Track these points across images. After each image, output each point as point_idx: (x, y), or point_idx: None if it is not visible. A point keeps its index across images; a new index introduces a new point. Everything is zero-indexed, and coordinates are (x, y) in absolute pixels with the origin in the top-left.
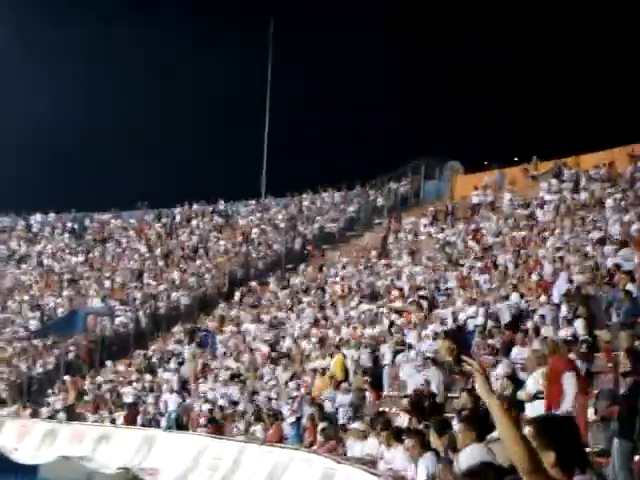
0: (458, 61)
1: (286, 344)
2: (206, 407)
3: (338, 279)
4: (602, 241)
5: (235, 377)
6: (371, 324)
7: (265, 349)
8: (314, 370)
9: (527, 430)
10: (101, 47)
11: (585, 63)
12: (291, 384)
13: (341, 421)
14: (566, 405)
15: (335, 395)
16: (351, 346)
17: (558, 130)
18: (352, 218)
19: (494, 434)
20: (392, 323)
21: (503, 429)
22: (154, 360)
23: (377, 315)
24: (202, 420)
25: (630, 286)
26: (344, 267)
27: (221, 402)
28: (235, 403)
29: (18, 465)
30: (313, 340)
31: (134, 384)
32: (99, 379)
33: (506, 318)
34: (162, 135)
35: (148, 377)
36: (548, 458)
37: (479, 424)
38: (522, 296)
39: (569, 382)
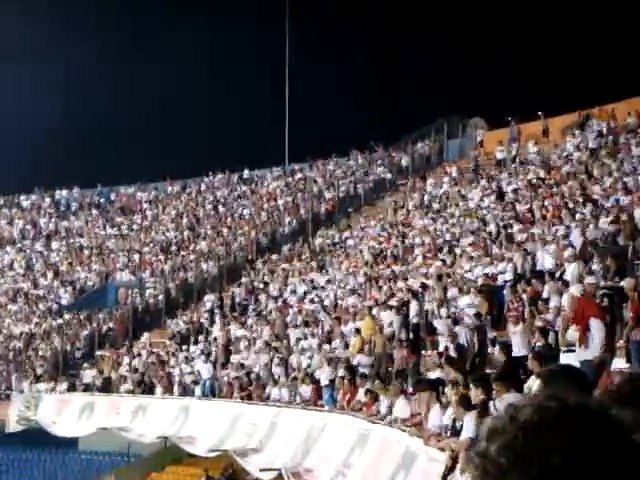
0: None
1: (322, 305)
2: (238, 374)
3: (366, 241)
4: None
5: (267, 344)
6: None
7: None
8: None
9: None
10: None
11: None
12: (325, 347)
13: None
14: (594, 351)
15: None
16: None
17: (580, 81)
18: (377, 180)
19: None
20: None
21: None
22: (186, 330)
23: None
24: (235, 389)
25: None
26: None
27: (255, 369)
28: (269, 369)
29: (58, 438)
30: (348, 302)
31: (168, 354)
32: (134, 351)
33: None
34: (181, 108)
35: (181, 347)
36: None
37: (512, 378)
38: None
39: (596, 327)
